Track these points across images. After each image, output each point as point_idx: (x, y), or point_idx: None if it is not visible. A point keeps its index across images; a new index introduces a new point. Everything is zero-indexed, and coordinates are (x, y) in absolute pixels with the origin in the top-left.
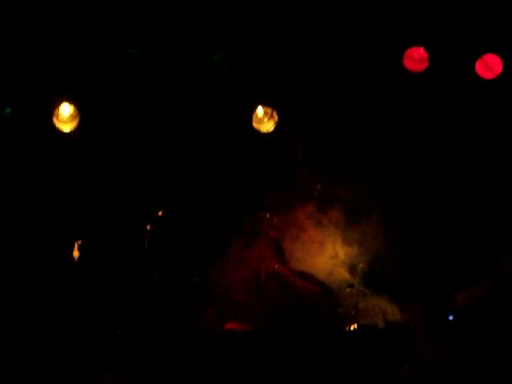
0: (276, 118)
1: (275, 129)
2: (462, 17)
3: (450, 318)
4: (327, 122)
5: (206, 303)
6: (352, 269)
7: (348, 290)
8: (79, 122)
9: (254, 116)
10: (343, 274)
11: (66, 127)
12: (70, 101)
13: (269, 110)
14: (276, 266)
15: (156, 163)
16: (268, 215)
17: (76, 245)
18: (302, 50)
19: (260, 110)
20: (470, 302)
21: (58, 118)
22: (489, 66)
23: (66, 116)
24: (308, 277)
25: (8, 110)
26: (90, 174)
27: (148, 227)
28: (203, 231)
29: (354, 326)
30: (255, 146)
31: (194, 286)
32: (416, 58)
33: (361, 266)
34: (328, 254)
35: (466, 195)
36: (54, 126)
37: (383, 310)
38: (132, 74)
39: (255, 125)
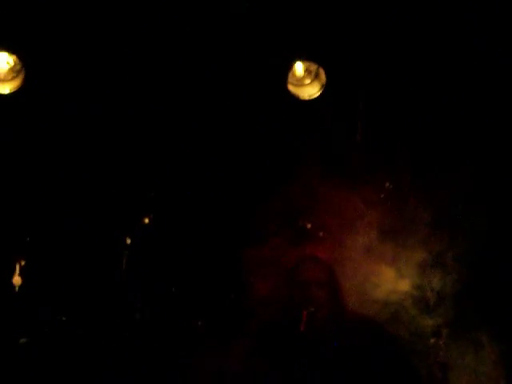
0: (324, 79)
1: (322, 95)
2: None
3: None
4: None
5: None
6: (432, 306)
7: (432, 340)
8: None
9: (290, 76)
10: (418, 314)
11: (5, 88)
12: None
13: (313, 68)
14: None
15: (141, 148)
16: (310, 226)
17: (17, 267)
18: None
19: (299, 67)
20: None
21: None
22: None
23: (4, 71)
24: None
25: None
26: (39, 161)
27: (128, 241)
28: (211, 249)
29: None
30: (291, 121)
31: (195, 331)
32: None
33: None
34: (397, 285)
35: None
36: None
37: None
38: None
39: (292, 88)
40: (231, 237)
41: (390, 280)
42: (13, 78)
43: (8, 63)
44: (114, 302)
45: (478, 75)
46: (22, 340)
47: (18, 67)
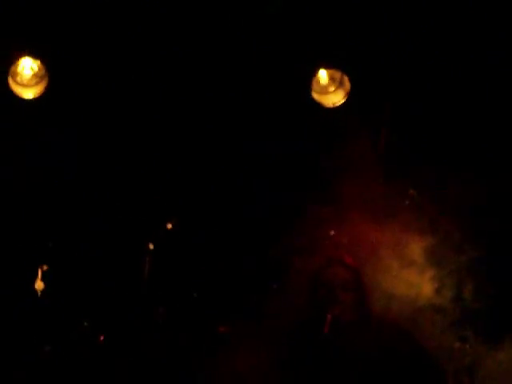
0: (348, 86)
1: (346, 103)
2: None
3: None
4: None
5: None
6: (459, 311)
7: (457, 344)
8: (48, 86)
9: (314, 83)
10: (444, 318)
11: (28, 92)
12: (35, 55)
13: (337, 75)
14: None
15: (165, 152)
16: (333, 233)
17: (40, 272)
18: None
19: (323, 75)
20: None
21: (15, 79)
22: None
23: (27, 76)
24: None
25: None
26: (62, 165)
27: (150, 247)
28: (234, 253)
29: None
30: (314, 128)
31: (218, 336)
32: None
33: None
34: (420, 291)
35: None
36: (11, 90)
37: None
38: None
39: (316, 96)
40: (255, 241)
41: (417, 285)
42: (36, 84)
43: (32, 69)
44: (137, 308)
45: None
46: (47, 348)
47: (42, 73)
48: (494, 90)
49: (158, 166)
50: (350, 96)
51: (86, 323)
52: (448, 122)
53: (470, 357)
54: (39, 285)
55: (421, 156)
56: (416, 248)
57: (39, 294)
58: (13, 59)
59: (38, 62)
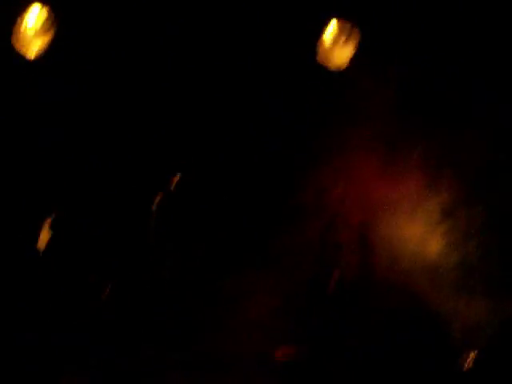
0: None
1: (353, 58)
2: None
3: None
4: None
5: (243, 317)
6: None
7: (464, 303)
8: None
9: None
10: (445, 277)
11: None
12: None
13: (347, 26)
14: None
15: (172, 110)
16: (340, 191)
17: (46, 223)
18: None
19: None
20: None
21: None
22: None
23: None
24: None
25: None
26: (70, 122)
27: (157, 199)
28: (241, 207)
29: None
30: (322, 82)
31: (223, 291)
32: None
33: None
34: (427, 250)
35: None
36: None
37: None
38: None
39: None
40: (261, 198)
41: (424, 243)
42: (44, 33)
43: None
44: (144, 261)
45: None
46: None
47: (50, 22)
48: (500, 40)
49: (165, 117)
50: (360, 49)
51: (92, 276)
52: (459, 76)
53: (477, 316)
54: (45, 236)
55: (431, 110)
56: (424, 205)
57: (45, 245)
58: (21, 7)
59: (46, 11)
